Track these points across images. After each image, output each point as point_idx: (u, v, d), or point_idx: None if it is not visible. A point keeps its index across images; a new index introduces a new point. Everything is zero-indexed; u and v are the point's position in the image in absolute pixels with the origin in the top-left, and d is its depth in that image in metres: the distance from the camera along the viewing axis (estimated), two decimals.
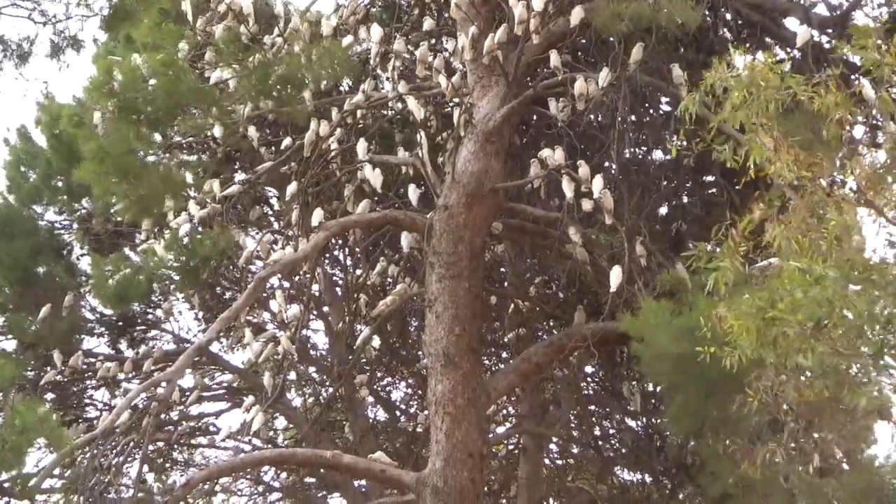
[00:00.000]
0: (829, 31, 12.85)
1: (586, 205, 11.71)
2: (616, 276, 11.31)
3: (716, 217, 10.37)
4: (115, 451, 10.57)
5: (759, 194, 8.17)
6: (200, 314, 16.21)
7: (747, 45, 12.85)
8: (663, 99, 13.81)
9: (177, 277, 13.24)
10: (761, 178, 8.18)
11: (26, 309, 14.88)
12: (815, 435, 8.27)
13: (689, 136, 8.84)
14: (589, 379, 16.40)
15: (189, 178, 13.32)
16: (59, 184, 15.68)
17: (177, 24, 12.95)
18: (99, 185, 12.30)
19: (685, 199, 14.30)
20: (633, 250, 11.59)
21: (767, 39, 13.14)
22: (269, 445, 15.50)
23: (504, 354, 16.57)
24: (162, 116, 12.30)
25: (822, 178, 7.78)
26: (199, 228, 12.88)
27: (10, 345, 15.35)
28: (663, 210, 14.32)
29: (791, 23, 13.00)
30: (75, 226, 15.89)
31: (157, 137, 13.09)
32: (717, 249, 8.11)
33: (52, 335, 14.55)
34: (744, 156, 8.02)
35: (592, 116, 12.74)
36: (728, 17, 12.93)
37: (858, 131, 8.59)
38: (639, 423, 15.84)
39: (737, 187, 10.10)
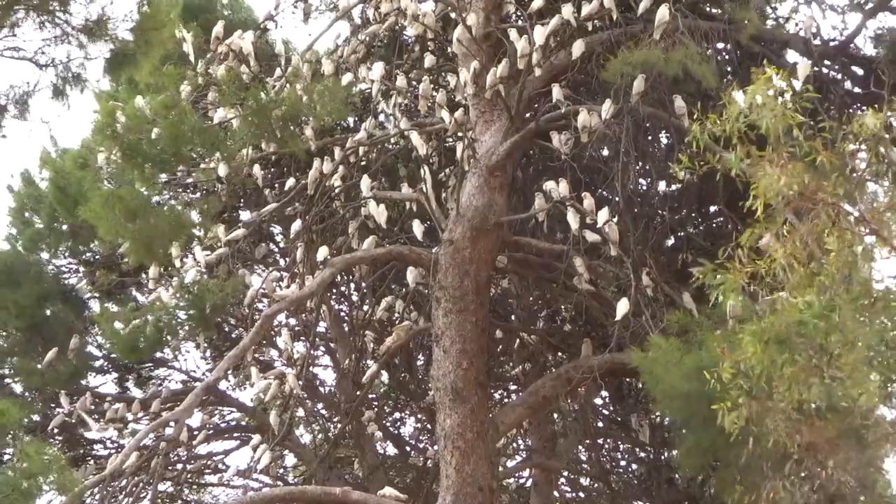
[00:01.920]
0: (828, 62, 12.91)
1: (590, 236, 11.73)
2: (623, 307, 11.31)
3: (721, 248, 10.39)
4: (124, 492, 10.56)
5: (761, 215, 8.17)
6: (208, 353, 16.22)
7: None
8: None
9: (186, 323, 13.28)
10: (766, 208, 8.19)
11: (33, 352, 14.92)
12: (828, 465, 8.23)
13: (692, 158, 8.83)
14: (597, 411, 16.35)
15: (195, 217, 13.36)
16: (64, 227, 15.73)
17: (178, 66, 13.04)
18: (104, 226, 12.33)
19: (690, 230, 14.31)
20: (639, 281, 11.60)
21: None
22: (279, 483, 15.47)
23: (512, 388, 16.55)
24: (166, 158, 12.36)
25: (827, 205, 7.78)
26: (206, 274, 12.92)
27: (18, 387, 15.39)
28: (669, 241, 14.34)
29: (791, 54, 13.05)
30: (81, 269, 15.93)
31: (163, 178, 13.15)
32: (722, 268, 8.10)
33: (59, 378, 14.57)
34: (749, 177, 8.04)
35: (596, 149, 12.76)
36: (728, 48, 12.93)
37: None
38: (648, 454, 15.79)
39: (742, 216, 10.10)
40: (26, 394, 15.28)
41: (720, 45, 12.80)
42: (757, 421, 7.90)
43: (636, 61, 11.19)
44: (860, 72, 12.98)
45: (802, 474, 8.24)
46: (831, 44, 12.99)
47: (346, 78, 13.33)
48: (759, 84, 7.84)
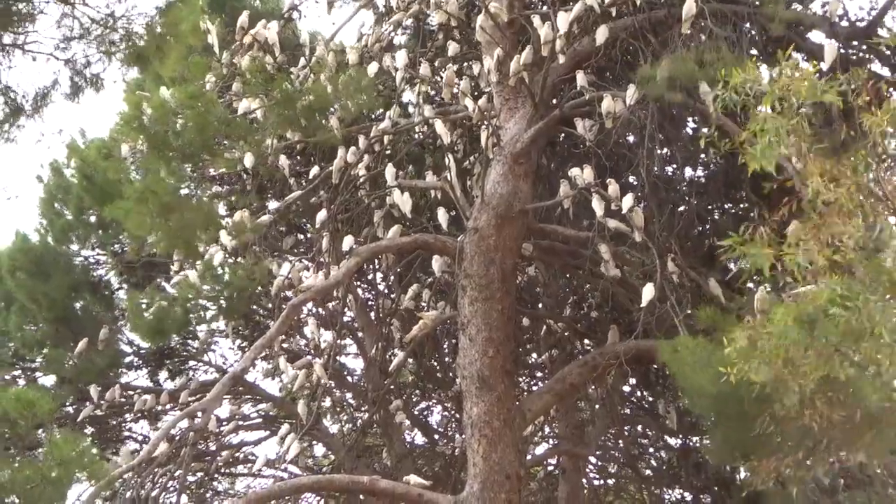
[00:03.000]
0: (855, 43, 12.82)
1: (612, 223, 11.71)
2: (648, 293, 11.28)
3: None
4: (154, 482, 10.62)
5: (788, 201, 8.15)
6: (237, 343, 16.30)
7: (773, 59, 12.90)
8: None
9: (213, 308, 13.33)
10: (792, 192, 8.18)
11: (64, 344, 15.01)
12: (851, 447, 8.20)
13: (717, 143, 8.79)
14: (624, 398, 16.34)
15: (222, 209, 13.41)
16: (92, 219, 15.81)
17: (203, 57, 13.07)
18: (131, 221, 12.37)
19: (717, 216, 14.26)
20: (664, 267, 11.57)
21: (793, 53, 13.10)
22: (308, 472, 15.52)
23: (538, 375, 16.56)
24: (193, 149, 12.39)
25: (852, 188, 7.74)
26: (232, 259, 12.96)
27: (49, 380, 15.49)
28: (695, 228, 14.28)
29: (816, 36, 12.96)
30: (110, 260, 16.01)
31: (188, 170, 13.19)
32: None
33: (90, 370, 14.66)
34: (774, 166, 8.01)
35: (620, 135, 12.73)
36: (753, 32, 12.86)
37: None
38: (676, 440, 15.77)
39: (768, 201, 10.06)
40: (57, 385, 15.38)
41: (745, 28, 12.70)
42: (778, 396, 7.88)
43: (665, 71, 11.14)
44: (887, 52, 12.89)
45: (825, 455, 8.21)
46: (858, 24, 12.89)
47: (373, 68, 13.33)
48: (786, 65, 7.82)
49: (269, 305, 14.47)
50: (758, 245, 7.91)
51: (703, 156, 13.83)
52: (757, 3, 12.18)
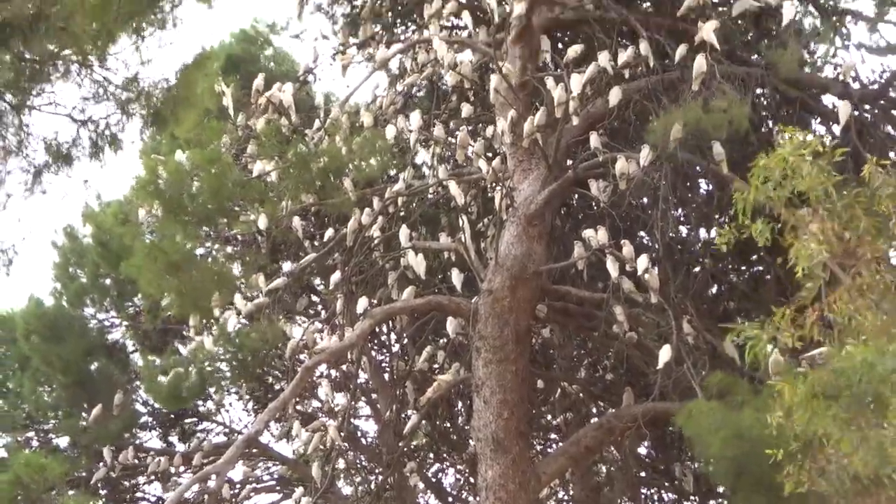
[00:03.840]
0: (868, 106, 12.85)
1: (626, 284, 11.69)
2: (664, 355, 11.24)
3: (763, 294, 10.31)
4: None
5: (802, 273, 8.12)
6: (250, 405, 16.25)
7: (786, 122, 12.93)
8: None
9: (227, 371, 13.32)
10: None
11: (78, 407, 15.01)
12: None
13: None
14: (640, 460, 16.20)
15: (236, 270, 13.42)
16: (107, 282, 15.85)
17: (219, 120, 13.15)
18: (146, 281, 12.40)
19: (732, 277, 14.22)
20: (680, 329, 11.53)
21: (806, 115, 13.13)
22: None
23: (553, 438, 16.45)
24: (208, 212, 12.43)
25: (869, 261, 7.72)
26: (247, 322, 12.96)
27: (63, 441, 15.48)
28: (710, 289, 14.25)
29: (830, 98, 13.01)
30: (125, 323, 16.04)
31: (203, 231, 13.23)
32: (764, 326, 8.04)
33: (105, 434, 14.64)
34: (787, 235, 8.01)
35: (634, 196, 12.74)
36: (766, 93, 12.90)
37: None
38: (692, 503, 15.62)
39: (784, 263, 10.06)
40: (70, 448, 15.35)
41: (758, 91, 12.75)
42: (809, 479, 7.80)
43: (676, 120, 11.17)
44: None
45: None
46: (871, 87, 12.92)
47: (389, 131, 13.39)
48: (789, 148, 7.82)
49: (283, 367, 14.45)
50: (765, 331, 7.89)
51: (717, 216, 13.81)
52: (768, 65, 12.24)
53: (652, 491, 16.60)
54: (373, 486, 16.05)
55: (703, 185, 14.03)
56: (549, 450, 16.14)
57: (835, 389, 7.42)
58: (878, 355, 7.23)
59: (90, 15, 9.10)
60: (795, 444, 7.67)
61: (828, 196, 7.81)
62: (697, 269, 13.68)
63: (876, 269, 7.71)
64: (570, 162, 12.83)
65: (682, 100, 11.68)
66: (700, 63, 11.51)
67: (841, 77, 12.58)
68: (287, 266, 14.09)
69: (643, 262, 11.48)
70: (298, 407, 14.84)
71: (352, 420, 14.87)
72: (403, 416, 14.31)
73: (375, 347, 16.19)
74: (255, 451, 15.30)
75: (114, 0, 9.30)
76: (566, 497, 17.17)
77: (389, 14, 15.42)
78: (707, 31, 11.53)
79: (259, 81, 13.94)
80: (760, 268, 13.62)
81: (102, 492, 15.42)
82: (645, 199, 13.33)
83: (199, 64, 10.61)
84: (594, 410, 15.05)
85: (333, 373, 14.25)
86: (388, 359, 16.26)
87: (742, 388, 10.05)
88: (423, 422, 14.52)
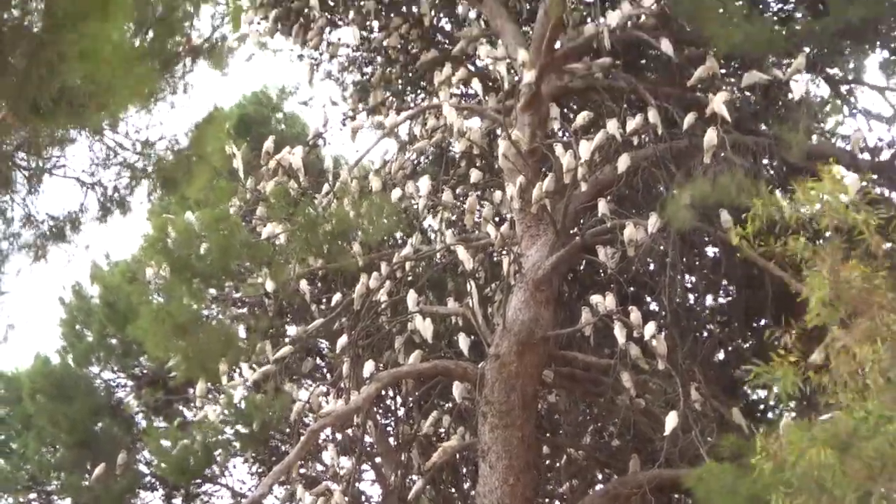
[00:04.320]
0: (876, 176, 12.88)
1: (634, 350, 11.68)
2: (671, 422, 11.20)
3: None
4: None
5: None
6: (254, 468, 16.17)
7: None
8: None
9: (232, 437, 13.28)
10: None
11: (82, 468, 14.95)
12: None
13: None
14: None
15: (242, 332, 13.43)
16: (113, 341, 15.86)
17: (228, 182, 13.23)
18: (153, 343, 12.40)
19: (739, 344, 14.20)
20: (687, 396, 11.50)
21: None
22: None
23: None
24: (216, 272, 12.46)
25: (881, 309, 7.71)
26: (253, 391, 12.94)
27: (66, 503, 15.41)
28: (718, 355, 14.22)
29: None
30: (130, 384, 16.02)
31: (212, 292, 13.25)
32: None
33: (108, 494, 14.57)
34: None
35: (642, 262, 12.76)
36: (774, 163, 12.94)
37: None
38: None
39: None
40: None
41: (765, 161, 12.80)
42: None
43: (686, 194, 11.21)
44: None
45: None
46: (879, 156, 12.96)
47: (396, 194, 13.44)
48: (826, 181, 7.86)
49: (288, 430, 14.40)
50: (783, 368, 7.87)
51: (724, 282, 13.82)
52: (776, 136, 12.30)
53: None
54: None
55: (711, 252, 14.04)
56: None
57: (844, 447, 7.40)
58: (884, 416, 7.22)
59: (104, 84, 9.18)
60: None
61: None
62: (705, 335, 13.66)
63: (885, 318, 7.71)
64: (578, 228, 12.87)
65: (693, 171, 11.74)
66: (711, 136, 11.58)
67: (849, 147, 12.63)
68: (293, 329, 14.07)
69: (650, 328, 11.48)
70: (303, 470, 14.73)
71: (356, 484, 14.74)
72: (408, 480, 14.21)
73: (381, 411, 16.14)
74: None
75: (125, 65, 9.37)
76: None
77: (399, 81, 15.55)
78: (717, 103, 11.61)
79: (269, 144, 14.04)
80: (767, 333, 13.56)
81: None
82: (653, 266, 13.34)
83: (209, 123, 10.68)
84: (600, 477, 14.95)
85: (339, 436, 14.19)
86: (393, 423, 16.20)
87: (753, 451, 10.00)
88: (428, 487, 14.42)
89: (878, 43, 13.24)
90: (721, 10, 11.79)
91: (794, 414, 9.69)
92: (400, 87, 15.67)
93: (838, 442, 7.40)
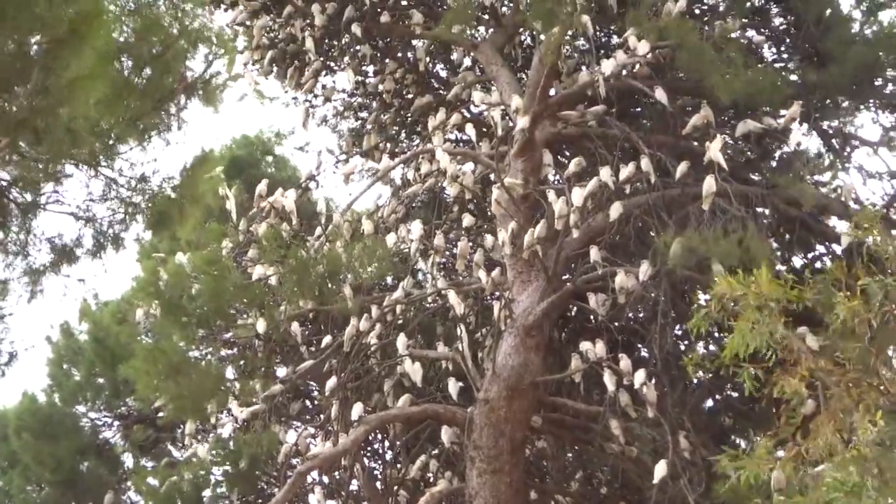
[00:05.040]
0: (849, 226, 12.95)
1: (624, 398, 11.68)
2: (660, 470, 11.19)
3: (760, 410, 10.28)
4: None
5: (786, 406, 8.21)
6: None
7: (785, 240, 13.02)
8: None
9: (221, 475, 13.23)
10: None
11: None
12: None
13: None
14: None
15: (231, 374, 13.41)
16: (101, 380, 15.80)
17: (220, 222, 13.24)
18: (145, 383, 12.37)
19: (728, 393, 14.19)
20: (676, 444, 11.49)
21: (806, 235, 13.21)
22: None
23: None
24: (207, 314, 12.46)
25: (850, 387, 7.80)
26: (242, 429, 12.89)
27: None
28: (707, 404, 14.21)
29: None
30: (116, 423, 15.95)
31: (201, 333, 13.23)
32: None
33: None
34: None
35: (633, 310, 12.78)
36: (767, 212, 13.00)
37: None
38: None
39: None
40: None
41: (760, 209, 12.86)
42: None
43: (680, 244, 11.26)
44: None
45: None
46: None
47: (390, 238, 13.47)
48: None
49: (276, 472, 14.33)
50: (754, 459, 7.95)
51: (717, 333, 13.84)
52: (770, 185, 12.36)
53: None
54: None
55: (702, 300, 14.05)
56: None
57: None
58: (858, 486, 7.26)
59: (97, 115, 9.23)
60: None
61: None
62: (694, 383, 13.66)
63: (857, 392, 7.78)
64: (569, 275, 12.90)
65: (689, 218, 11.79)
66: (710, 183, 11.65)
67: (842, 198, 12.70)
68: (283, 371, 14.03)
69: (640, 376, 11.49)
70: None
71: None
72: None
73: (369, 454, 16.07)
74: None
75: (120, 101, 9.43)
76: None
77: (394, 125, 15.63)
78: (714, 150, 11.69)
79: (262, 186, 14.06)
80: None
81: None
82: (643, 314, 13.36)
83: (201, 163, 10.72)
84: None
85: (326, 479, 14.13)
86: (381, 466, 16.13)
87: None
88: None
89: (872, 100, 13.37)
90: (721, 61, 11.88)
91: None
92: (394, 131, 15.74)
93: None
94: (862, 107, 13.45)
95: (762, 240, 11.15)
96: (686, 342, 14.19)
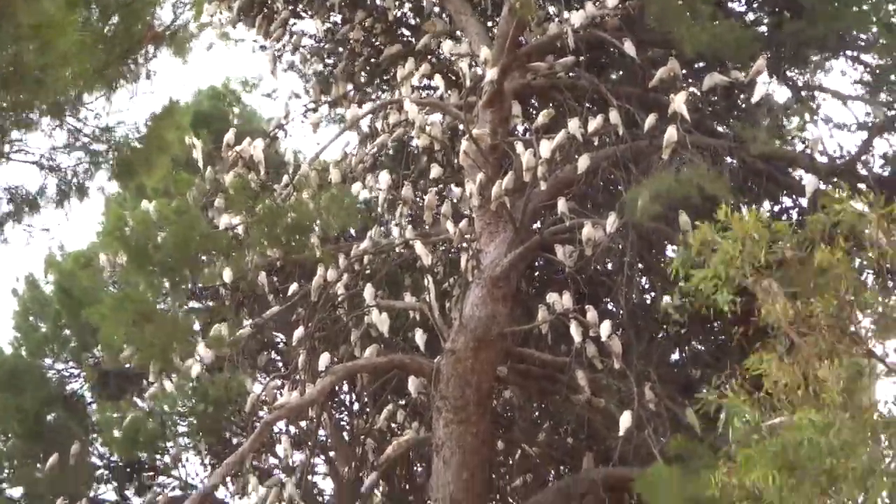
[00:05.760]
0: (835, 179, 12.97)
1: (591, 349, 11.74)
2: (625, 421, 11.25)
3: (726, 363, 10.32)
4: None
5: (764, 341, 8.22)
6: (207, 460, 16.09)
7: (753, 192, 13.04)
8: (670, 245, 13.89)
9: (186, 422, 13.20)
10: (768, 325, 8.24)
11: (34, 458, 14.84)
12: None
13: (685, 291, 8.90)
14: None
15: (197, 325, 13.37)
16: (68, 332, 15.74)
17: (187, 172, 13.16)
18: (110, 330, 12.33)
19: (695, 345, 14.27)
20: (642, 395, 11.56)
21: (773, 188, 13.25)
22: None
23: (512, 501, 16.36)
24: (173, 263, 12.40)
25: (824, 328, 7.82)
26: (209, 373, 12.87)
27: (17, 492, 15.28)
28: (673, 356, 14.30)
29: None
30: (83, 374, 15.90)
31: (167, 284, 13.18)
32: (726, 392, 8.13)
33: (60, 484, 14.46)
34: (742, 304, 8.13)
35: (600, 262, 12.81)
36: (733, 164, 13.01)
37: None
38: None
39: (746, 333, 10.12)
40: (25, 501, 15.16)
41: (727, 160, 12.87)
42: None
43: (650, 190, 11.26)
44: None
45: None
46: (838, 161, 13.05)
47: (356, 187, 13.42)
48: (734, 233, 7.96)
49: (242, 422, 14.36)
50: (735, 395, 7.98)
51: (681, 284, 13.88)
52: (737, 137, 12.37)
53: None
54: None
55: (669, 252, 14.10)
56: None
57: (789, 460, 7.47)
58: (826, 428, 7.30)
59: (64, 65, 9.12)
60: None
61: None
62: (661, 335, 13.72)
63: (829, 336, 7.81)
64: (537, 226, 12.90)
65: (652, 168, 11.80)
66: (671, 133, 11.64)
67: (809, 151, 12.72)
68: (249, 321, 14.01)
69: (606, 327, 11.53)
70: (256, 463, 14.69)
71: (309, 477, 14.73)
72: (361, 474, 14.22)
73: (335, 405, 16.12)
74: None
75: (86, 50, 9.31)
76: None
77: (362, 74, 15.52)
78: (678, 102, 11.68)
79: (230, 135, 13.95)
80: (723, 337, 13.65)
81: None
82: (610, 265, 13.40)
83: (168, 114, 10.62)
84: (554, 473, 15.00)
85: (292, 429, 14.17)
86: (347, 417, 16.19)
87: (702, 453, 10.07)
88: (381, 481, 14.43)
89: (842, 51, 13.37)
90: (689, 13, 11.84)
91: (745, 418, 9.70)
92: (363, 80, 15.64)
93: (786, 462, 7.47)
94: (832, 58, 13.43)
95: (720, 179, 11.15)
96: (652, 294, 14.27)
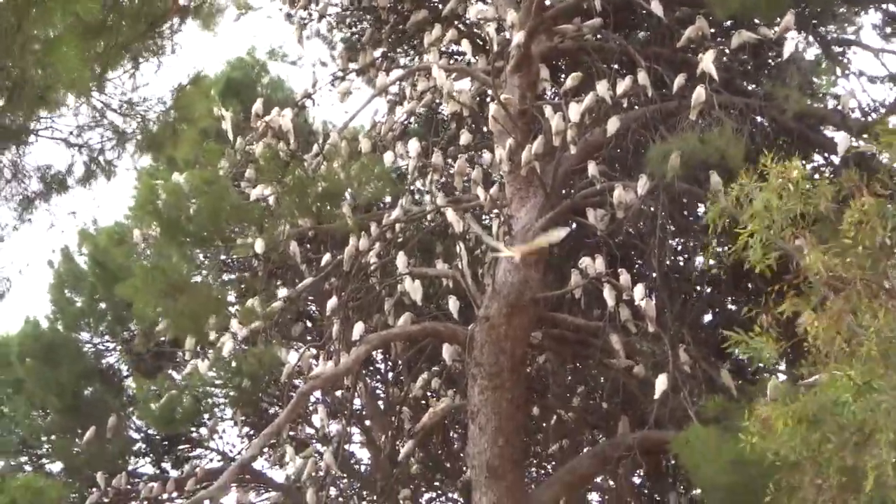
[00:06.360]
0: (866, 136, 12.84)
1: (624, 313, 11.70)
2: (661, 384, 11.23)
3: (760, 324, 10.26)
4: None
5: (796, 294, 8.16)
6: (244, 431, 16.17)
7: (783, 152, 12.93)
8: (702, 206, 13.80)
9: (222, 393, 13.27)
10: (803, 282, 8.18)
11: (72, 432, 14.94)
12: None
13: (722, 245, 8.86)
14: (635, 489, 16.12)
15: (232, 296, 13.41)
16: (103, 305, 15.81)
17: (217, 143, 13.17)
18: (143, 302, 12.37)
19: (728, 305, 14.21)
20: (676, 358, 11.52)
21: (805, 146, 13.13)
22: None
23: (548, 466, 16.38)
24: (205, 234, 12.43)
25: (859, 281, 7.74)
26: (243, 346, 12.93)
27: (56, 466, 15.40)
28: (707, 317, 14.25)
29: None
30: (119, 348, 15.99)
31: (200, 255, 13.22)
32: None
33: (98, 458, 14.57)
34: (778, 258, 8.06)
35: (632, 225, 12.75)
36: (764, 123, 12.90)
37: None
38: None
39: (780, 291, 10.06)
40: (63, 473, 15.28)
41: (758, 119, 12.76)
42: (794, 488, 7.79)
43: (673, 148, 11.19)
44: None
45: None
46: (870, 117, 12.92)
47: (388, 157, 13.40)
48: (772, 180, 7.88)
49: (278, 393, 14.41)
50: (763, 338, 7.92)
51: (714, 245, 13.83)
52: (767, 96, 12.25)
53: None
54: None
55: (701, 214, 14.01)
56: (543, 478, 16.08)
57: (823, 416, 7.43)
58: (866, 385, 7.24)
59: (88, 40, 9.09)
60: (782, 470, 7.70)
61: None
62: (694, 297, 13.66)
63: (866, 290, 7.74)
64: (567, 190, 12.85)
65: (680, 129, 11.71)
66: (699, 93, 11.54)
67: (840, 108, 12.59)
68: (283, 291, 14.05)
69: (640, 290, 11.50)
70: (292, 433, 14.76)
71: (346, 446, 14.79)
72: (398, 443, 14.25)
73: (370, 374, 16.16)
74: (248, 477, 15.21)
75: (112, 26, 9.28)
76: None
77: (389, 40, 15.46)
78: (706, 61, 11.57)
79: (258, 106, 13.96)
80: (758, 296, 13.58)
81: None
82: (642, 228, 13.33)
83: (195, 84, 10.59)
84: (589, 438, 15.01)
85: (328, 399, 14.20)
86: (382, 385, 16.22)
87: (739, 414, 10.03)
88: (418, 449, 14.47)
89: (873, 4, 13.21)
90: None
91: (782, 377, 9.68)
92: (390, 46, 15.57)
93: (818, 418, 7.43)
94: (861, 12, 13.27)
95: (738, 141, 11.05)
96: (685, 255, 14.21)
